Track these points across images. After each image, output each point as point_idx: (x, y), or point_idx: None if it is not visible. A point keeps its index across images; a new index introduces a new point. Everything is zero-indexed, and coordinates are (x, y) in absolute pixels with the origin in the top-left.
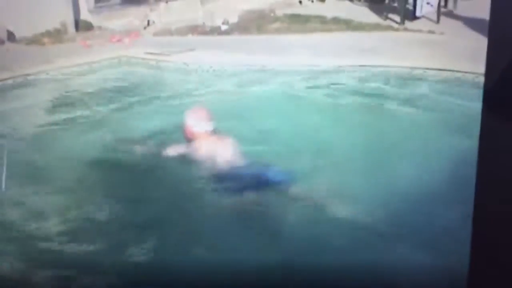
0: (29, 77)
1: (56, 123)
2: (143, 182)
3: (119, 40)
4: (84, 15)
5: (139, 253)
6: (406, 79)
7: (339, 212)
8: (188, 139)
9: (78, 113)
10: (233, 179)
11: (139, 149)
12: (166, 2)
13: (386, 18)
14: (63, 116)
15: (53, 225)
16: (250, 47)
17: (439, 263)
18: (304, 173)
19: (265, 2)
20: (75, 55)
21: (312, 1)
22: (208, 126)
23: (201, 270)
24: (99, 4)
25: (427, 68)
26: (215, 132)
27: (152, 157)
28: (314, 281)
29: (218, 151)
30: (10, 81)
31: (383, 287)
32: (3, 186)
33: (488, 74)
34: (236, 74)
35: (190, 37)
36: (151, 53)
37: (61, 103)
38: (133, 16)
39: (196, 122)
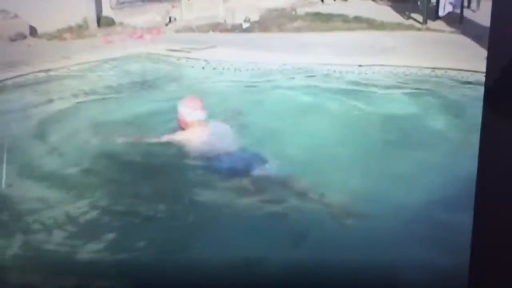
0: (50, 72)
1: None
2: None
3: (140, 37)
4: (106, 12)
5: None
6: (426, 79)
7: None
8: (182, 128)
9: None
10: (224, 164)
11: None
12: None
13: (409, 17)
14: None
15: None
16: (271, 45)
17: (440, 263)
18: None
19: (286, 1)
20: (96, 51)
21: (334, 0)
22: (201, 115)
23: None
24: (121, 1)
25: (449, 68)
26: (207, 120)
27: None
28: (313, 279)
29: (210, 138)
30: (31, 76)
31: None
32: (3, 184)
33: (488, 73)
34: (256, 72)
35: (211, 34)
36: (172, 50)
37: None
38: (154, 13)
39: (189, 111)
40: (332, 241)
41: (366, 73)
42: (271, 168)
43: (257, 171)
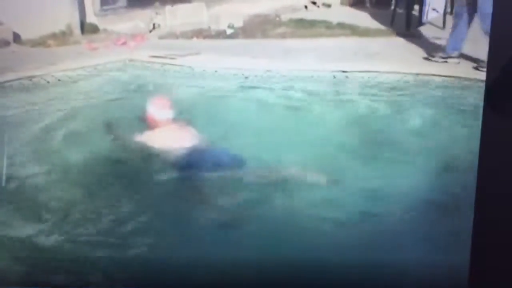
0: (33, 79)
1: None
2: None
3: (124, 43)
4: (90, 18)
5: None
6: (409, 85)
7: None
8: (150, 127)
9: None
10: (191, 161)
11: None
12: (172, 5)
13: (392, 24)
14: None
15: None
16: (255, 51)
17: (440, 262)
18: None
19: (270, 7)
20: (80, 57)
21: (318, 6)
22: (169, 114)
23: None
24: (105, 7)
25: (433, 74)
26: (175, 120)
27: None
28: (311, 279)
29: (177, 137)
30: (16, 82)
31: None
32: (3, 182)
33: (489, 73)
34: (240, 78)
35: (195, 40)
36: (156, 56)
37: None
38: (138, 20)
39: (158, 111)
40: (328, 239)
41: (349, 78)
42: (242, 162)
43: (229, 166)
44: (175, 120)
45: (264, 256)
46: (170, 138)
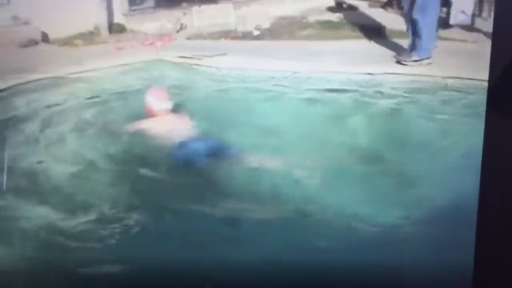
0: (60, 78)
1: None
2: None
3: (151, 44)
4: (118, 18)
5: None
6: (435, 87)
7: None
8: (148, 116)
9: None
10: (187, 150)
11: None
12: (199, 6)
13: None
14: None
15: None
16: (281, 53)
17: (443, 265)
18: None
19: (297, 9)
20: (107, 57)
21: (345, 8)
22: (166, 105)
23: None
24: (133, 8)
25: (458, 77)
26: (173, 110)
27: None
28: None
29: (174, 126)
30: (43, 81)
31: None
32: (4, 186)
33: (491, 74)
34: (266, 79)
35: (222, 41)
36: (183, 57)
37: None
38: (166, 20)
39: (155, 101)
40: (327, 239)
41: (375, 81)
42: (237, 152)
43: (223, 156)
44: (174, 110)
45: (264, 256)
46: (165, 127)
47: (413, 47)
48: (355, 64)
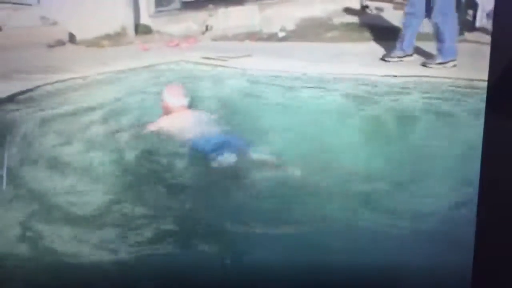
0: (87, 78)
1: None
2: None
3: (177, 45)
4: (144, 20)
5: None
6: (461, 90)
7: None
8: (165, 113)
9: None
10: (203, 146)
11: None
12: (225, 8)
13: None
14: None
15: None
16: (306, 55)
17: (442, 266)
18: None
19: (322, 11)
20: (133, 58)
21: (371, 10)
22: (183, 101)
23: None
24: (159, 9)
25: (482, 80)
26: (189, 106)
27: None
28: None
29: (191, 122)
30: (70, 82)
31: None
32: (4, 185)
33: (491, 75)
34: (291, 80)
35: (247, 43)
36: (208, 58)
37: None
38: (191, 21)
39: (172, 98)
40: (327, 238)
41: (400, 84)
42: (256, 150)
43: (241, 153)
44: (190, 107)
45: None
46: (182, 123)
47: (437, 50)
48: (379, 66)
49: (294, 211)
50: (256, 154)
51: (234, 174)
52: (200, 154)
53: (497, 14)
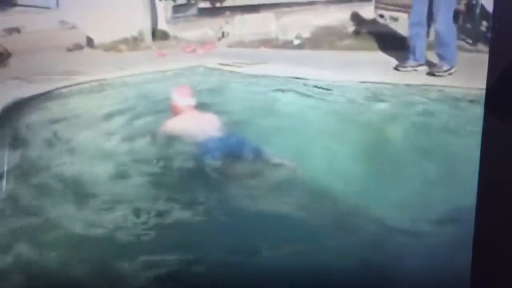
0: (104, 82)
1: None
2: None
3: (193, 50)
4: (162, 25)
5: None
6: (474, 99)
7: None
8: (174, 114)
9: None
10: (212, 146)
11: None
12: (242, 15)
13: (459, 39)
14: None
15: None
16: (321, 62)
17: (441, 267)
18: None
19: (337, 19)
20: (150, 63)
21: (386, 20)
22: (190, 101)
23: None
24: (177, 15)
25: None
26: (197, 107)
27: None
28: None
29: (199, 123)
30: (86, 85)
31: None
32: (3, 188)
33: (489, 76)
34: (306, 87)
35: (262, 50)
36: (224, 64)
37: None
38: (208, 28)
39: (180, 98)
40: (327, 240)
41: (413, 93)
42: (262, 152)
43: (247, 154)
44: (198, 107)
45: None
46: (190, 124)
47: (441, 58)
48: (394, 74)
49: (293, 212)
50: (265, 156)
51: (238, 174)
52: (205, 154)
53: (495, 19)
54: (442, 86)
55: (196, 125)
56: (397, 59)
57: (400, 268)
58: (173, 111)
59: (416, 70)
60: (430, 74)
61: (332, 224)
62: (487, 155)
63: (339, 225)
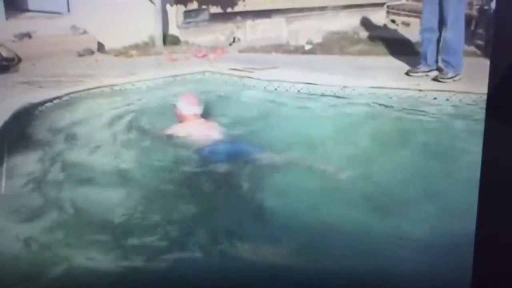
0: (115, 87)
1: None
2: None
3: (204, 55)
4: (172, 30)
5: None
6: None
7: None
8: (179, 121)
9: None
10: (214, 153)
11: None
12: (253, 20)
13: (471, 44)
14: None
15: None
16: (332, 68)
17: (442, 270)
18: None
19: (349, 24)
20: (161, 68)
21: (397, 25)
22: (196, 110)
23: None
24: (188, 20)
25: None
26: (202, 115)
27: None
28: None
29: (203, 129)
30: (97, 90)
31: None
32: (2, 189)
33: (491, 78)
34: (317, 93)
35: (273, 55)
36: (234, 69)
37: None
38: (219, 33)
39: (186, 106)
40: (328, 243)
41: (426, 97)
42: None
43: (250, 159)
44: (203, 115)
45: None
46: (194, 130)
47: (447, 64)
48: (405, 79)
49: (295, 215)
50: (267, 160)
51: (241, 180)
52: (207, 160)
53: (498, 20)
54: (454, 91)
55: (200, 132)
56: (408, 64)
57: (400, 272)
58: (179, 117)
59: (427, 76)
60: (435, 80)
61: (332, 229)
62: (488, 157)
63: (338, 230)
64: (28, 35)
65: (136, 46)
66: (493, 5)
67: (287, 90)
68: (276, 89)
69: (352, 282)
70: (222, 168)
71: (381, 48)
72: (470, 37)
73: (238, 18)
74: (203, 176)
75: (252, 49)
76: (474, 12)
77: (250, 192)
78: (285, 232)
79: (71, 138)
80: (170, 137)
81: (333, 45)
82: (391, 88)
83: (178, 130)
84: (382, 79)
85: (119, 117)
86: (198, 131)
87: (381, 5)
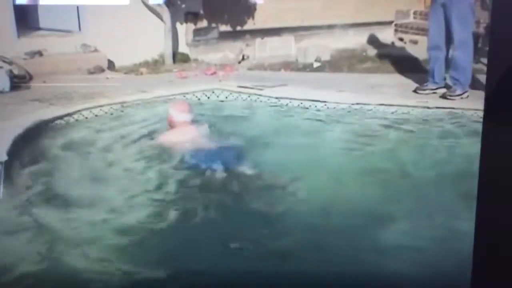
0: (125, 104)
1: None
2: None
3: (213, 73)
4: (182, 48)
5: None
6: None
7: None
8: (170, 127)
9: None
10: (203, 158)
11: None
12: (262, 38)
13: (478, 61)
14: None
15: None
16: (341, 85)
17: (442, 269)
18: None
19: (357, 42)
20: (171, 85)
21: (405, 43)
22: (187, 117)
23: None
24: (197, 38)
25: None
26: (193, 122)
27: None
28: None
29: (192, 136)
30: (107, 107)
31: None
32: (0, 194)
33: (489, 79)
34: (325, 110)
35: (282, 72)
36: (244, 87)
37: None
38: (228, 51)
39: (177, 113)
40: (327, 247)
41: (434, 115)
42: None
43: (237, 165)
44: (193, 122)
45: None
46: (183, 136)
47: (455, 81)
48: (413, 97)
49: (293, 221)
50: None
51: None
52: (195, 166)
53: (495, 23)
54: (462, 109)
55: (189, 138)
56: (417, 82)
57: (399, 275)
58: (169, 124)
59: (435, 93)
60: (443, 97)
61: (331, 233)
62: (487, 158)
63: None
64: (40, 53)
65: (146, 64)
66: None
67: (295, 107)
68: (286, 105)
69: (352, 282)
70: (210, 173)
71: (389, 65)
72: (477, 55)
73: (247, 36)
74: (192, 181)
75: (261, 67)
76: (481, 30)
77: (240, 200)
78: (285, 234)
79: (82, 154)
80: (160, 144)
81: (341, 62)
82: (399, 105)
83: (168, 137)
84: (390, 96)
85: (130, 135)
86: (188, 138)
87: (389, 23)
